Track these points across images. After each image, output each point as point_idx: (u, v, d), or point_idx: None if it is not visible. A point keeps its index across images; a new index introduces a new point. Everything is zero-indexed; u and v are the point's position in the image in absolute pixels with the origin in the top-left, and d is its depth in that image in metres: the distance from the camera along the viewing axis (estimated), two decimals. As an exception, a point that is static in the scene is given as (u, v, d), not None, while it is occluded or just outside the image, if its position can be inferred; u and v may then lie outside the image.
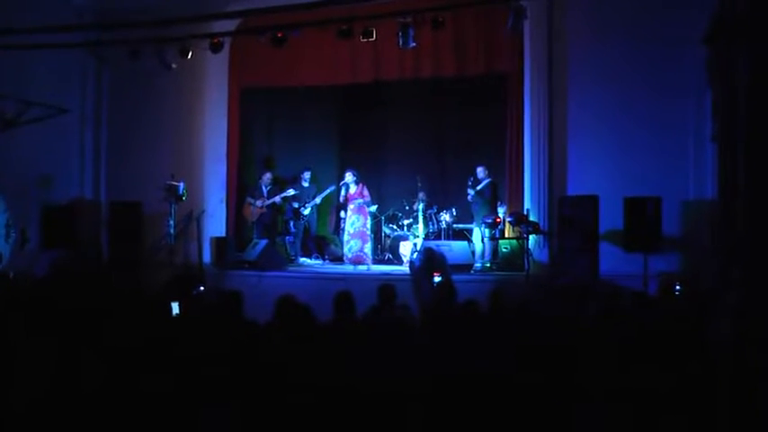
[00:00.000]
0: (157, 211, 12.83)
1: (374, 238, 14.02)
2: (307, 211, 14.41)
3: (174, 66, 12.16)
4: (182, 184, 12.62)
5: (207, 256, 13.72)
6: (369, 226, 13.57)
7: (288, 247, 14.58)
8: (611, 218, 10.69)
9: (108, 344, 5.13)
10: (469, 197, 13.30)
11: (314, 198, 14.47)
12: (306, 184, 14.60)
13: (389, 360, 4.92)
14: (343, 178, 13.72)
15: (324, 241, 15.24)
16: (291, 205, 14.45)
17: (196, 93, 14.00)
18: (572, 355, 4.89)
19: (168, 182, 12.63)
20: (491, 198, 13.22)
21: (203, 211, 13.60)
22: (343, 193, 13.59)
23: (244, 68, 14.52)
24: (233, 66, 14.50)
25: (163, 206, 12.68)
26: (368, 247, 13.51)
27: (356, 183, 13.50)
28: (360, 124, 16.12)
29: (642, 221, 10.41)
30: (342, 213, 15.15)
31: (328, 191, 14.50)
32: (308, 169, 14.68)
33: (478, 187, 13.19)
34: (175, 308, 6.67)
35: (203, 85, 14.03)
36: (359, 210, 13.43)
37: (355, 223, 13.35)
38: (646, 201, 10.45)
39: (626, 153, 11.26)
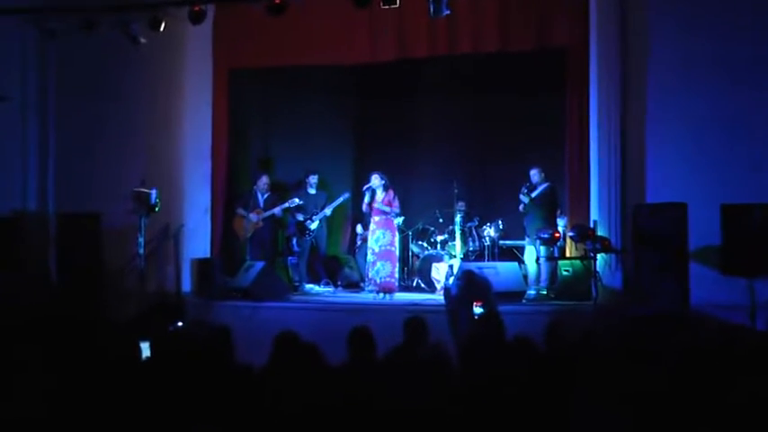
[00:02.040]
0: (123, 225, 12.74)
1: (400, 258, 13.96)
2: (314, 225, 14.39)
3: (142, 41, 12.08)
4: (154, 192, 12.55)
5: (187, 283, 13.72)
6: (397, 244, 13.49)
7: (290, 270, 14.56)
8: (704, 231, 10.56)
9: (57, 395, 5.12)
10: (522, 207, 13.23)
11: (323, 209, 14.46)
12: (312, 191, 14.60)
13: (418, 413, 4.88)
14: (367, 181, 13.56)
15: (336, 263, 15.22)
16: (295, 218, 14.46)
17: (172, 76, 14.01)
18: (650, 405, 4.87)
19: (137, 188, 12.52)
20: (549, 207, 13.15)
21: (182, 226, 13.62)
22: (366, 200, 13.40)
23: (232, 44, 14.50)
24: (218, 41, 14.49)
25: (130, 219, 12.57)
26: (396, 271, 13.43)
27: (384, 188, 13.37)
28: (380, 115, 16.12)
29: (746, 236, 10.20)
30: (358, 228, 15.11)
31: (341, 199, 14.49)
32: (314, 172, 14.68)
33: (534, 194, 13.11)
34: (146, 349, 6.63)
35: (181, 65, 14.06)
36: (385, 223, 13.26)
37: (380, 240, 13.15)
38: (751, 209, 10.24)
39: (723, 149, 11.12)
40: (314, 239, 14.56)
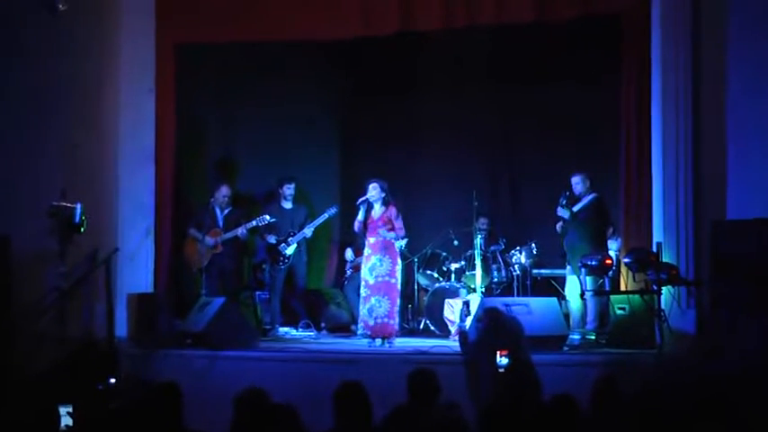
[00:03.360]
0: (37, 250, 12.63)
1: (403, 292, 13.84)
2: (290, 250, 14.39)
3: (61, 7, 12.12)
4: (78, 207, 12.50)
5: (122, 326, 13.62)
6: (399, 274, 13.42)
7: (259, 308, 14.56)
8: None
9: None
10: (559, 226, 13.25)
11: (302, 228, 14.47)
12: (288, 206, 14.65)
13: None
14: (363, 192, 13.33)
15: (319, 299, 15.21)
16: (266, 240, 14.48)
17: (102, 54, 13.94)
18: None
19: (56, 203, 12.49)
20: (596, 225, 13.14)
21: (116, 251, 13.55)
22: (360, 216, 13.21)
23: (181, 12, 14.51)
24: (162, 8, 14.50)
25: (47, 242, 12.53)
26: (397, 310, 13.31)
27: (384, 203, 13.26)
28: (376, 106, 16.17)
29: None
30: (348, 253, 15.09)
31: (326, 216, 14.49)
32: (291, 181, 14.68)
33: (577, 207, 13.11)
34: (65, 415, 6.59)
35: (114, 40, 13.99)
36: (384, 247, 13.14)
37: (377, 269, 13.03)
38: None
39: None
40: (290, 268, 14.54)
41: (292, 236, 14.37)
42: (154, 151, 14.54)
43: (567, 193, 13.19)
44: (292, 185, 14.64)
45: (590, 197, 13.21)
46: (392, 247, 13.12)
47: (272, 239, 14.38)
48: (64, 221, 12.39)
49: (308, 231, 14.47)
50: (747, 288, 10.51)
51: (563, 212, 13.14)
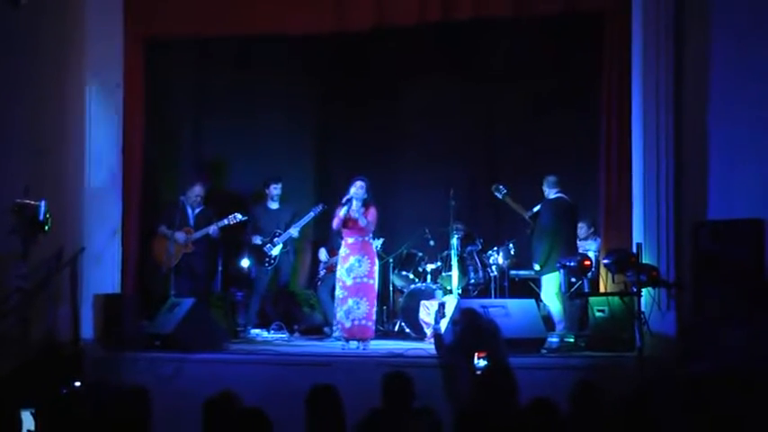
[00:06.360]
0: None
1: (379, 294, 13.78)
2: (276, 251, 14.38)
3: (24, 1, 12.06)
4: (43, 204, 12.42)
5: (88, 328, 13.58)
6: (377, 275, 13.38)
7: (233, 309, 14.49)
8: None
9: None
10: (529, 231, 13.28)
11: (287, 227, 14.45)
12: (275, 206, 14.68)
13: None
14: (347, 192, 13.12)
15: (291, 301, 15.14)
16: (250, 240, 14.50)
17: (67, 48, 13.82)
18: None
19: (19, 200, 12.41)
20: (558, 225, 13.29)
21: (82, 251, 13.46)
22: (342, 213, 13.01)
23: (149, 5, 14.44)
24: (131, 1, 14.46)
25: (9, 242, 12.44)
26: (374, 312, 13.22)
27: (363, 203, 13.04)
28: (351, 102, 16.10)
29: None
30: (321, 254, 15.01)
31: (312, 215, 14.43)
32: (277, 180, 14.68)
33: (535, 208, 13.19)
34: (28, 420, 6.55)
35: (79, 34, 13.89)
36: (362, 248, 13.08)
37: (355, 269, 12.94)
38: None
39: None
40: (276, 269, 14.58)
41: (278, 236, 14.37)
42: (121, 148, 14.44)
43: (501, 186, 13.27)
44: (279, 185, 14.62)
45: (555, 197, 13.26)
46: (370, 248, 13.09)
47: (257, 240, 14.38)
48: (27, 219, 12.27)
49: (293, 231, 14.43)
50: (729, 289, 10.53)
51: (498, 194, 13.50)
